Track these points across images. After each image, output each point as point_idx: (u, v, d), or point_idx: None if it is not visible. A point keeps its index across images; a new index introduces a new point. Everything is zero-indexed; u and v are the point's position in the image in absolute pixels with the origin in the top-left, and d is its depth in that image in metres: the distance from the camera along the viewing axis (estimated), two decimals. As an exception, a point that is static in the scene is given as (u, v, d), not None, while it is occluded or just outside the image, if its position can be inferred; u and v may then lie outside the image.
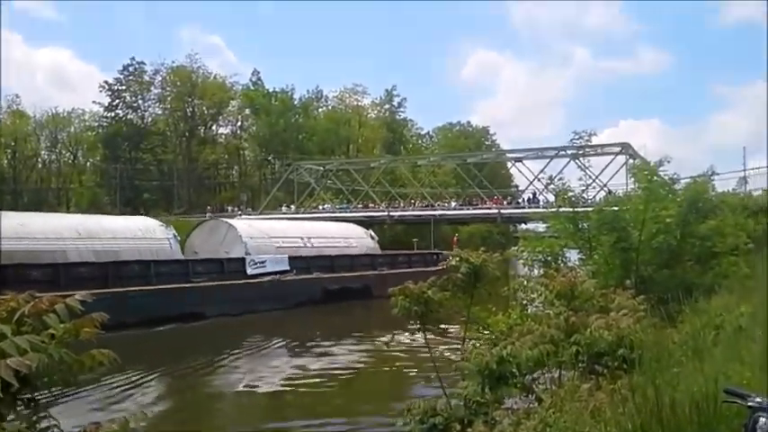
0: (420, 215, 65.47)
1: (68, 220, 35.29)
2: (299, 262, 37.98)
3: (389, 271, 39.75)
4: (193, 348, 24.65)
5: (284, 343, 26.26)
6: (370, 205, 70.14)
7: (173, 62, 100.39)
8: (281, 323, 30.21)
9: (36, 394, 3.11)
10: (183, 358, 22.51)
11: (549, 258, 17.66)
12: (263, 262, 36.44)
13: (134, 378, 18.57)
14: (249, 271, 35.41)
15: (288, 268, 36.88)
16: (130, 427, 3.20)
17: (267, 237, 39.75)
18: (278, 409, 16.77)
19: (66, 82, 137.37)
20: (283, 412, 16.17)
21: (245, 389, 18.67)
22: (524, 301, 11.95)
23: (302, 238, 41.79)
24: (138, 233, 34.95)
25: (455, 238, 55.02)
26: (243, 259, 35.92)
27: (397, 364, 20.04)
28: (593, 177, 50.48)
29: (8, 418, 3.00)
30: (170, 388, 19.27)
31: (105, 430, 3.16)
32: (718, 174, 21.13)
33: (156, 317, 27.40)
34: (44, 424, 3.12)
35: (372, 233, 48.60)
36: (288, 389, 18.55)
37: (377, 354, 22.74)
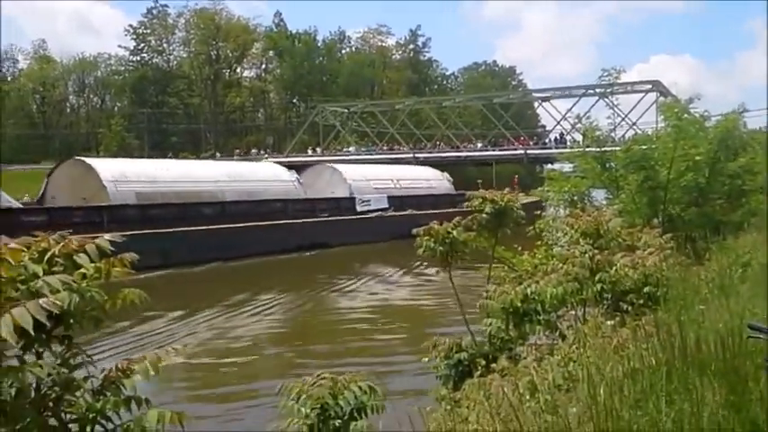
0: (446, 156, 65.08)
1: (222, 167, 42.56)
2: (394, 201, 43.80)
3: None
4: (354, 264, 31.04)
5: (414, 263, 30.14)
6: (395, 147, 69.84)
7: (196, 4, 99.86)
8: (393, 251, 33.94)
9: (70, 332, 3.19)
10: (349, 272, 28.57)
11: (576, 198, 17.56)
12: (368, 201, 42.76)
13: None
14: (358, 208, 41.69)
15: (387, 206, 42.83)
16: (162, 362, 3.28)
17: (365, 179, 46.01)
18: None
19: (89, 26, 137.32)
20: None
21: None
22: (550, 241, 11.95)
23: (392, 180, 48.05)
24: (271, 176, 41.93)
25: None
26: (353, 198, 42.43)
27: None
28: (622, 116, 49.63)
29: (44, 356, 3.09)
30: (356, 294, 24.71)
31: (137, 365, 3.24)
32: (748, 111, 20.65)
33: (302, 245, 34.19)
34: (78, 360, 3.20)
35: (448, 175, 53.34)
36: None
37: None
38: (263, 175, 41.42)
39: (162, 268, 25.57)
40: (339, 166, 47.25)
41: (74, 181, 33.46)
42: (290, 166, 46.91)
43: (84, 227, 26.62)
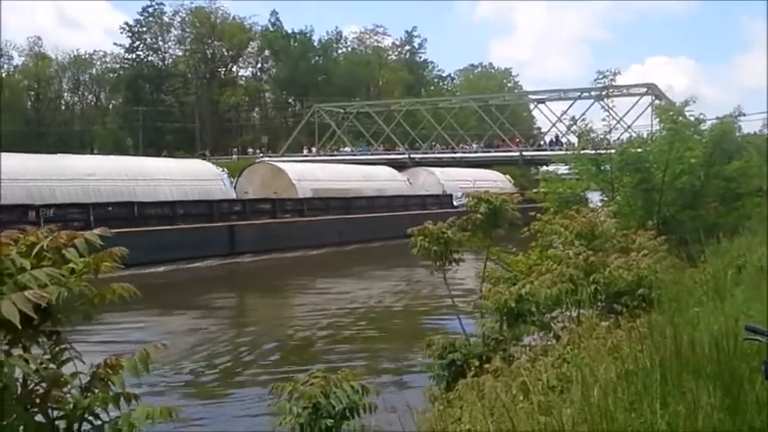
0: (441, 157, 65.08)
1: (354, 168, 52.25)
2: (475, 198, 51.73)
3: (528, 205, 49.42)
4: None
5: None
6: (391, 148, 69.88)
7: (191, 3, 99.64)
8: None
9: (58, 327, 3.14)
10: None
11: (571, 200, 17.53)
12: (461, 197, 47.49)
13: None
14: (455, 203, 46.13)
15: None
16: (151, 357, 3.23)
17: (452, 180, 53.96)
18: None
19: (71, 18, 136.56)
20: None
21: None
22: (544, 242, 11.90)
23: (471, 181, 52.95)
24: (389, 176, 51.38)
25: None
26: (450, 195, 49.21)
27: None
28: (618, 119, 49.63)
29: (31, 350, 3.03)
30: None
31: (126, 361, 3.19)
32: (744, 114, 20.62)
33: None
34: (66, 355, 3.15)
35: (509, 177, 61.08)
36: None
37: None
38: (384, 176, 51.25)
39: (338, 246, 36.83)
40: (432, 169, 56.85)
41: (264, 179, 43.08)
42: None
43: (292, 213, 38.68)
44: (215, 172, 39.30)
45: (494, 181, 57.03)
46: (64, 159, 36.38)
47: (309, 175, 44.74)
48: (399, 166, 59.21)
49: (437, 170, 56.66)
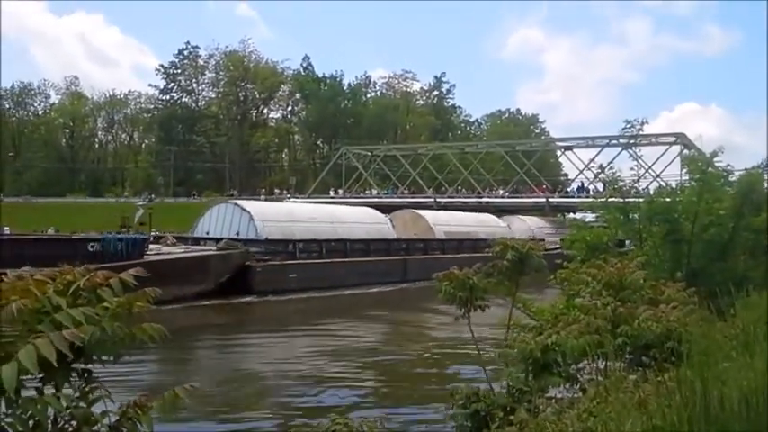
0: (467, 202, 65.14)
1: (468, 215, 58.34)
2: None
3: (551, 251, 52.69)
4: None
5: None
6: (417, 192, 70.15)
7: (226, 47, 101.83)
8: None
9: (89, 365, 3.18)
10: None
11: (599, 248, 17.38)
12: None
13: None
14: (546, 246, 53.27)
15: (559, 246, 51.45)
16: (180, 397, 3.26)
17: (538, 227, 60.29)
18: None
19: (99, 53, 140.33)
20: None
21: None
22: (571, 291, 11.80)
23: (553, 228, 61.12)
24: (492, 222, 57.99)
25: None
26: (542, 240, 56.06)
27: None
28: (646, 168, 49.42)
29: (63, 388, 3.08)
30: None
31: (155, 401, 3.23)
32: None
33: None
34: (96, 394, 3.19)
35: None
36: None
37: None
38: (490, 222, 58.19)
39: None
40: (523, 217, 63.71)
41: (406, 222, 52.93)
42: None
43: (432, 251, 47.79)
44: (382, 217, 50.00)
45: (568, 229, 59.91)
46: (296, 205, 51.67)
47: (440, 220, 54.05)
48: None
49: (527, 218, 64.10)
